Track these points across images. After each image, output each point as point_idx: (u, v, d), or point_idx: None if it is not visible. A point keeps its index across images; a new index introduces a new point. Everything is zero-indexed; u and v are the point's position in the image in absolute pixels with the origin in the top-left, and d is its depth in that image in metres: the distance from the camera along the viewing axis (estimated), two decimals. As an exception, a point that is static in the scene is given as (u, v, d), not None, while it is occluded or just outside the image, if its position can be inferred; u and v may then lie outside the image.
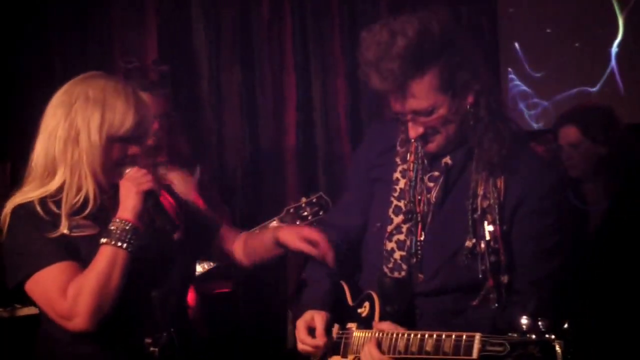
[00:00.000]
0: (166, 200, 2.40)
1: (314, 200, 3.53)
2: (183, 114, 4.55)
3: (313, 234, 2.31)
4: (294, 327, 2.29)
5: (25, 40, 4.53)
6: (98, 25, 4.71)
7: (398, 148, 2.23)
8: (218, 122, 4.99)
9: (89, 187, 2.23)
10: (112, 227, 2.18)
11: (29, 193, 2.25)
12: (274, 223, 3.58)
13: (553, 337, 1.68)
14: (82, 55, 4.65)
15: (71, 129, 2.22)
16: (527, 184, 2.07)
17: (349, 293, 2.30)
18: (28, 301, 3.62)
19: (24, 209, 2.22)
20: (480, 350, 1.76)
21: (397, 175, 2.22)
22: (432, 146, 2.13)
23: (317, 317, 2.24)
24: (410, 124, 2.11)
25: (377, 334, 2.10)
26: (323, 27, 5.09)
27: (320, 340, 2.20)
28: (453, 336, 1.85)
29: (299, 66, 5.07)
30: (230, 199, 4.71)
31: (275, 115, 5.04)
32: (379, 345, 2.03)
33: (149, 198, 2.24)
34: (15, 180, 3.36)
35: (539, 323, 1.70)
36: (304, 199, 3.58)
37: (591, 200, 3.32)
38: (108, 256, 2.15)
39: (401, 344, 2.00)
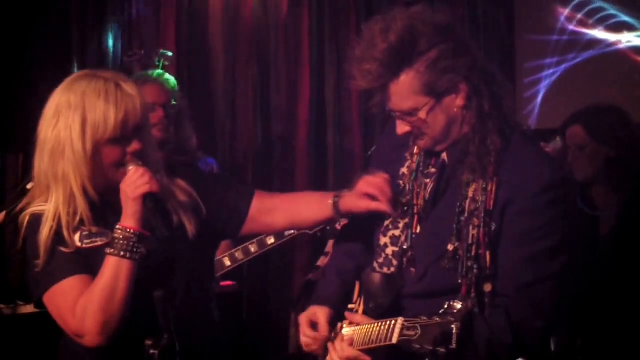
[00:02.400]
0: (178, 197, 2.30)
1: None
2: (197, 107, 4.57)
3: (370, 188, 2.18)
4: (297, 330, 2.29)
5: (42, 33, 4.55)
6: (117, 19, 4.73)
7: (410, 143, 2.22)
8: (231, 117, 5.00)
9: (80, 205, 2.16)
10: (116, 236, 2.13)
11: (37, 206, 2.21)
12: None
13: (452, 319, 1.68)
14: (99, 48, 4.68)
15: (57, 141, 2.14)
16: (517, 183, 2.01)
17: (358, 291, 2.29)
18: (31, 298, 3.71)
19: (38, 221, 2.17)
20: (400, 335, 1.77)
21: (404, 170, 2.22)
22: (421, 143, 2.13)
23: (320, 312, 2.23)
24: (397, 122, 2.12)
25: (345, 330, 2.13)
26: (339, 23, 5.09)
27: (322, 333, 2.19)
28: (385, 323, 1.88)
29: (313, 62, 5.06)
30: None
31: (288, 111, 5.04)
32: (348, 341, 2.06)
33: (149, 201, 2.15)
34: (28, 172, 3.38)
35: (452, 304, 1.71)
36: None
37: (601, 204, 3.24)
38: (111, 268, 2.10)
39: (360, 337, 2.04)
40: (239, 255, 3.62)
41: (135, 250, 2.11)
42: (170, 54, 4.35)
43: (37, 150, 2.20)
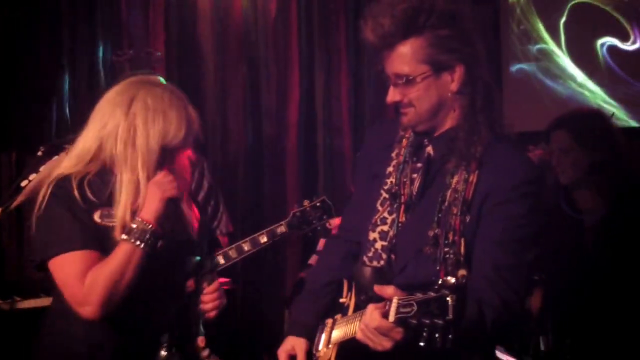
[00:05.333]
0: (189, 208, 2.49)
1: (318, 204, 3.57)
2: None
3: None
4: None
5: (33, 34, 4.55)
6: (106, 20, 4.74)
7: (395, 144, 2.28)
8: (222, 118, 5.02)
9: (142, 187, 2.34)
10: (134, 226, 2.29)
11: (68, 169, 2.35)
12: (282, 228, 3.62)
13: (447, 292, 1.70)
14: (89, 50, 4.69)
15: (130, 132, 2.33)
16: (497, 177, 2.08)
17: (346, 289, 2.34)
18: (28, 294, 3.60)
19: (62, 189, 2.31)
20: (396, 312, 1.78)
21: (390, 169, 2.25)
22: (404, 120, 2.17)
23: (297, 345, 2.32)
24: (391, 88, 2.15)
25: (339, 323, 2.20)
26: (328, 25, 5.13)
27: None
28: (384, 305, 1.89)
29: (303, 64, 5.10)
30: (231, 194, 4.74)
31: (278, 112, 5.07)
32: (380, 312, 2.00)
33: (171, 204, 2.35)
34: (20, 170, 3.39)
35: (445, 280, 1.73)
36: (307, 202, 3.60)
37: (585, 208, 3.24)
38: (125, 253, 2.26)
39: (354, 326, 2.11)
40: (232, 253, 3.66)
41: (148, 242, 2.28)
42: (159, 54, 4.37)
43: (93, 126, 2.37)
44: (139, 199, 2.33)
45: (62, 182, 2.32)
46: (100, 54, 4.71)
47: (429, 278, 2.00)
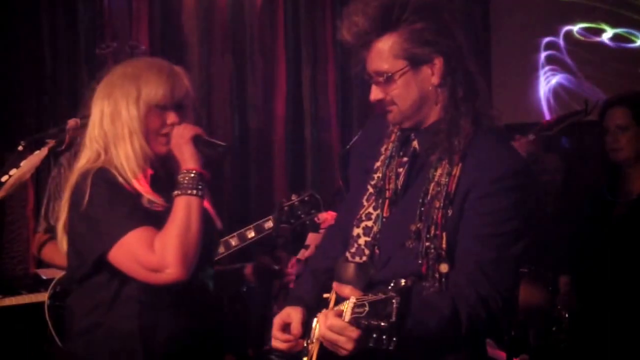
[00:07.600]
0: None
1: (306, 198, 3.55)
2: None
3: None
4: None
5: (11, 25, 4.50)
6: (89, 12, 4.68)
7: (385, 138, 2.27)
8: (207, 111, 4.99)
9: (136, 154, 2.38)
10: (180, 179, 2.36)
11: (92, 162, 2.38)
12: (269, 223, 3.60)
13: (393, 294, 1.72)
14: (72, 44, 4.63)
15: (115, 105, 2.39)
16: (480, 170, 2.06)
17: None
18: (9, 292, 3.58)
19: (104, 179, 2.34)
20: (352, 313, 1.81)
21: (378, 164, 2.25)
22: (390, 116, 2.17)
23: (293, 313, 2.26)
24: (373, 86, 2.15)
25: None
26: (315, 18, 5.13)
27: (294, 333, 2.23)
28: (343, 303, 1.90)
29: (289, 57, 5.10)
30: (217, 189, 4.69)
31: (264, 105, 5.07)
32: (336, 311, 2.00)
33: (198, 141, 2.41)
34: (0, 165, 3.35)
35: (397, 281, 1.75)
36: (294, 197, 3.58)
37: (626, 189, 3.31)
38: (183, 206, 2.33)
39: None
40: (220, 249, 3.62)
41: (200, 187, 2.36)
42: (143, 47, 4.33)
43: (92, 114, 2.43)
44: (146, 164, 2.38)
45: (102, 174, 2.34)
46: (82, 46, 4.65)
47: (412, 272, 2.02)
